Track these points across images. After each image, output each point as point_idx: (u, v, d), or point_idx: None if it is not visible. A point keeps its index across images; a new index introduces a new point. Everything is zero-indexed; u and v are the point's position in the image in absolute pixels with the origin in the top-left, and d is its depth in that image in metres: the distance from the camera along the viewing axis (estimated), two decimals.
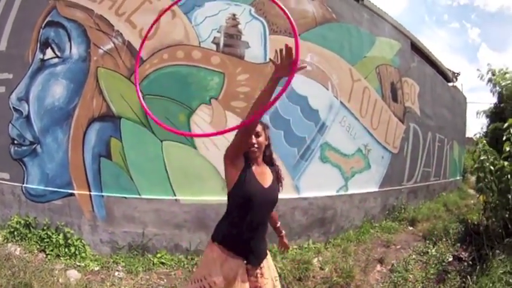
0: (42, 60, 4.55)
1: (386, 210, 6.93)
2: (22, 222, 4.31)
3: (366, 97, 6.27)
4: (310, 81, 5.47)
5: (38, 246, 4.12)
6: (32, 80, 4.56)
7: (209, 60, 4.63)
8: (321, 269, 4.31)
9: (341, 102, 5.83)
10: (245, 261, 1.91)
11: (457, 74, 8.87)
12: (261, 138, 1.96)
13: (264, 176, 1.97)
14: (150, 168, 4.43)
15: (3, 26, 4.82)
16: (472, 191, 9.71)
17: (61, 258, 4.01)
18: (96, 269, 3.97)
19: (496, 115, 6.91)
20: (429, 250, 4.99)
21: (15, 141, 4.62)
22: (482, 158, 4.78)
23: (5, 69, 4.76)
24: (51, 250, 4.08)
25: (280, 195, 3.08)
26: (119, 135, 4.40)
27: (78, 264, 3.97)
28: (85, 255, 4.15)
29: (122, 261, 4.15)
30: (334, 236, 5.72)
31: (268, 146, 2.07)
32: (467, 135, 10.07)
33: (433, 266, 4.37)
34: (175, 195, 4.45)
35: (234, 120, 4.60)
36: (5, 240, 4.13)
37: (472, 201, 8.44)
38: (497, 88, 6.82)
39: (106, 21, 4.45)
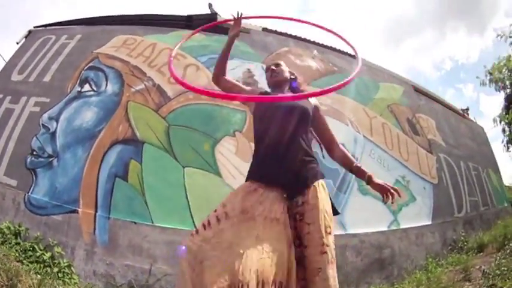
0: (79, 92, 4.63)
1: (448, 245, 5.41)
2: (12, 229, 3.53)
3: (387, 131, 5.58)
4: (328, 119, 4.86)
5: (17, 255, 3.17)
6: (67, 105, 4.53)
7: (231, 101, 4.43)
8: None
9: (364, 136, 5.16)
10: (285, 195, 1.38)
11: (466, 109, 8.16)
12: (282, 67, 1.79)
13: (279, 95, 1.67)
14: (168, 194, 3.73)
15: (50, 65, 5.09)
16: None
17: (38, 275, 2.93)
18: None
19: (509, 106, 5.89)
20: None
21: (34, 152, 4.23)
22: None
23: (44, 95, 4.73)
24: (31, 263, 3.12)
25: None
26: (140, 158, 3.96)
27: (55, 286, 2.79)
28: (69, 282, 3.05)
29: None
30: (398, 281, 4.31)
31: (297, 82, 1.83)
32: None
33: None
34: (195, 227, 3.53)
35: None
36: None
37: None
38: (499, 83, 6.00)
39: (140, 70, 4.72)
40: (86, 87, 4.69)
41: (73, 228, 3.60)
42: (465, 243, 5.53)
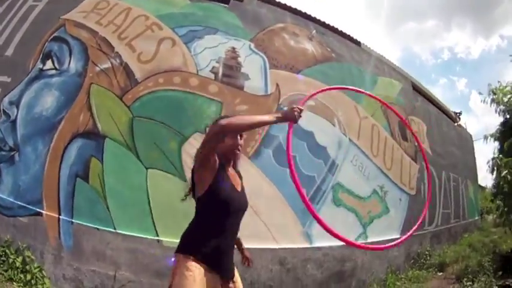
0: (41, 70, 4.00)
1: (411, 259, 5.36)
2: None
3: (376, 135, 5.12)
4: (316, 117, 4.43)
5: None
6: (27, 86, 3.94)
7: (206, 88, 3.84)
8: None
9: (350, 140, 4.69)
10: (220, 276, 1.48)
11: (459, 113, 7.81)
12: (242, 141, 1.63)
13: (235, 179, 1.63)
14: (130, 198, 3.42)
15: (14, 34, 4.38)
16: (493, 229, 8.06)
17: (14, 283, 3.02)
18: None
19: (505, 133, 5.58)
20: None
21: None
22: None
23: (6, 73, 4.14)
24: (5, 271, 3.09)
25: (289, 245, 2.78)
26: (101, 155, 3.51)
27: None
28: (41, 287, 3.07)
29: None
30: None
31: None
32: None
33: None
34: (157, 235, 3.35)
35: None
36: None
37: (495, 237, 6.96)
38: (501, 106, 5.59)
39: (108, 42, 3.98)
40: (48, 64, 3.99)
41: (39, 231, 3.38)
42: (428, 258, 5.50)
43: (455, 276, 4.67)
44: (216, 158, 1.47)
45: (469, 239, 6.70)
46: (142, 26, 4.10)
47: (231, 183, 1.55)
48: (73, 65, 3.89)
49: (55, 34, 4.15)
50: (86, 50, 3.93)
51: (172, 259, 1.40)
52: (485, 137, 6.36)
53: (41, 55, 4.07)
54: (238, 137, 1.58)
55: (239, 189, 1.60)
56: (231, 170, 1.62)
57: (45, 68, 3.98)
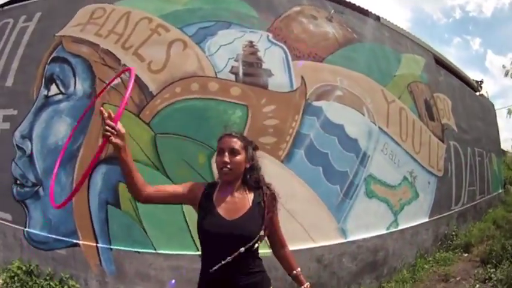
0: (47, 96, 3.79)
1: (438, 241, 5.37)
2: (23, 268, 3.42)
3: (404, 119, 4.90)
4: (344, 108, 4.20)
5: None
6: (36, 117, 3.78)
7: (228, 91, 3.56)
8: None
9: (379, 128, 4.48)
10: None
11: (481, 82, 7.51)
12: (239, 158, 1.45)
13: (233, 205, 1.42)
14: (166, 218, 3.32)
15: (10, 62, 4.17)
16: None
17: None
18: None
19: None
20: (493, 275, 3.93)
21: (18, 181, 3.75)
22: None
23: (10, 105, 4.00)
24: None
25: (325, 242, 2.57)
26: None
27: None
28: None
29: None
30: (387, 279, 4.30)
31: (252, 169, 1.51)
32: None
33: None
34: (198, 249, 3.25)
35: (263, 160, 3.33)
36: (5, 285, 3.34)
37: None
38: None
39: (112, 55, 3.63)
40: (53, 88, 3.74)
41: (80, 261, 3.39)
42: (454, 239, 5.50)
43: (480, 259, 4.69)
44: (191, 189, 1.49)
45: (493, 215, 6.68)
46: (147, 31, 3.70)
47: (214, 211, 1.40)
48: (79, 86, 3.64)
49: (54, 54, 3.87)
50: (90, 67, 3.64)
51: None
52: (509, 112, 6.14)
53: (43, 80, 3.83)
54: (226, 153, 1.44)
55: (232, 217, 1.39)
56: (228, 195, 1.45)
57: (50, 93, 3.76)
